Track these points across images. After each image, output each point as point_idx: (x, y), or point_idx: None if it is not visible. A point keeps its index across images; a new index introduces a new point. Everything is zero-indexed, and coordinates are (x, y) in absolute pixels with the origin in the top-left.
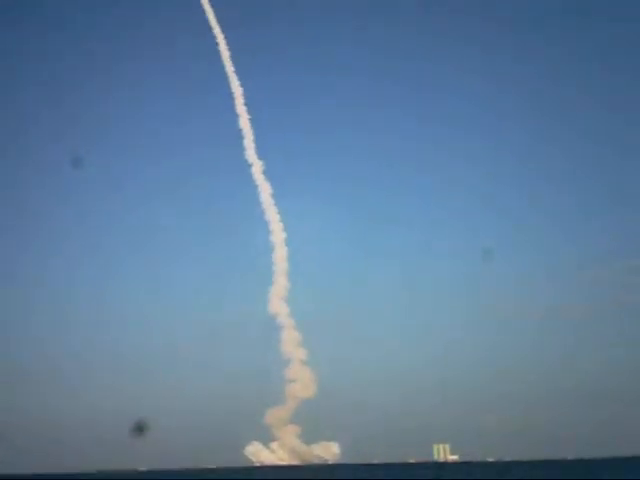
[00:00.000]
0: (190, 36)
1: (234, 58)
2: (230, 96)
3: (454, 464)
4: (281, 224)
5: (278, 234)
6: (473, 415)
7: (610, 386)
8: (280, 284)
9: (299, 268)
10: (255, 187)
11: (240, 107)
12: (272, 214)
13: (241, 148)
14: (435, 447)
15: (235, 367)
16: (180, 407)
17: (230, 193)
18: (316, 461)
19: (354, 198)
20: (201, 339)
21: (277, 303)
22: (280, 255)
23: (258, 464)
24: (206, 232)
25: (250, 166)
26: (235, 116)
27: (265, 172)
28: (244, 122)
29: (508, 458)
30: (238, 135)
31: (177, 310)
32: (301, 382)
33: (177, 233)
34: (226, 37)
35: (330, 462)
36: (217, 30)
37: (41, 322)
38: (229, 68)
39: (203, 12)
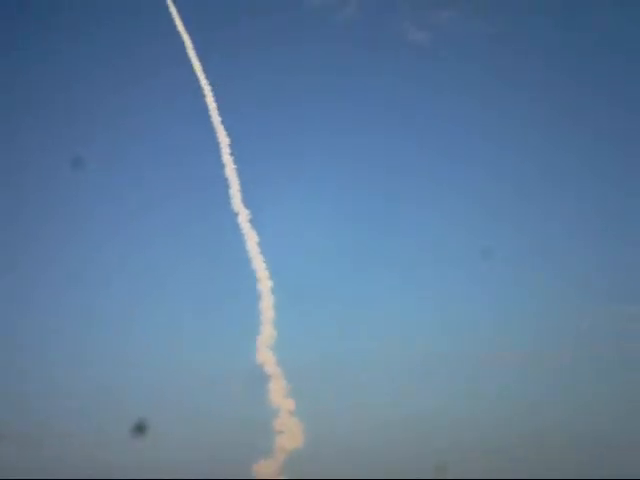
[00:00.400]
0: (176, 88)
1: (221, 110)
2: (217, 146)
3: None
4: (267, 272)
5: (264, 282)
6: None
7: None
8: (267, 333)
9: (286, 316)
10: (241, 235)
11: (226, 157)
12: (258, 262)
13: (227, 197)
14: None
15: (221, 418)
16: (164, 458)
17: (216, 241)
18: None
19: (342, 245)
20: (184, 388)
21: (264, 352)
22: (267, 303)
23: None
24: (190, 280)
25: (236, 215)
26: (221, 166)
27: (251, 221)
28: (230, 171)
29: None
30: (224, 184)
31: (159, 358)
32: (289, 433)
33: (161, 280)
34: (213, 89)
35: None
36: (204, 82)
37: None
38: (215, 119)
39: (191, 64)
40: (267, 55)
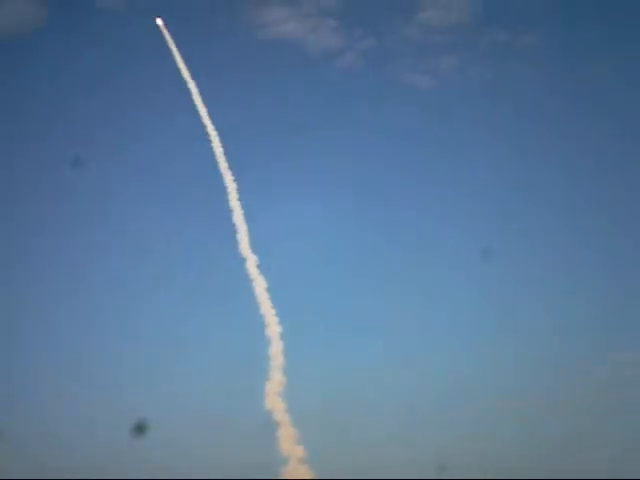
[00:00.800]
0: (182, 132)
1: (227, 154)
2: (224, 190)
3: None
4: (276, 318)
5: (273, 328)
6: None
7: None
8: (276, 379)
9: (296, 362)
10: (250, 281)
11: (234, 202)
12: (267, 308)
13: (235, 242)
14: None
15: (230, 466)
16: None
17: (224, 286)
18: None
19: (351, 291)
20: (191, 434)
21: (273, 399)
22: (276, 349)
23: None
24: (198, 326)
25: (244, 260)
26: (229, 211)
27: (259, 266)
28: (238, 217)
29: None
30: (231, 229)
31: (165, 403)
32: None
33: (169, 327)
34: (219, 133)
35: None
36: (210, 127)
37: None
38: (222, 164)
39: (196, 109)
40: (270, 101)
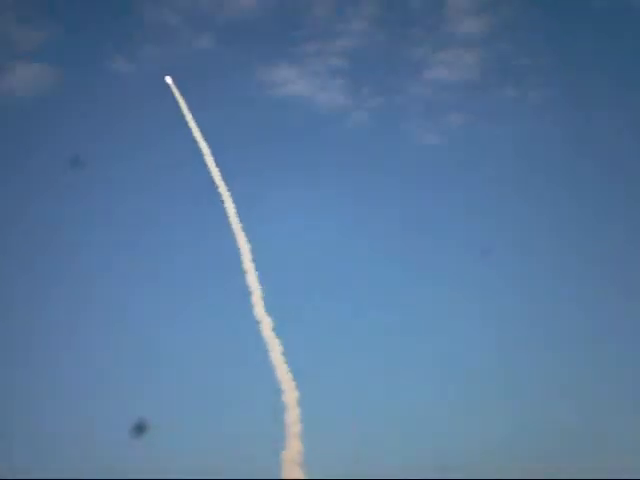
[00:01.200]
0: (194, 192)
1: (240, 215)
2: (237, 252)
3: None
4: (293, 382)
5: (290, 394)
6: None
7: None
8: (293, 448)
9: (314, 429)
10: (264, 344)
11: (248, 264)
12: (283, 372)
13: (249, 305)
14: None
15: None
16: None
17: (238, 350)
18: None
19: (368, 351)
20: None
21: (291, 468)
22: (293, 416)
23: None
24: (211, 391)
25: (259, 323)
26: (242, 273)
27: (274, 329)
28: (252, 278)
29: None
30: (245, 292)
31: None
32: None
33: (181, 390)
34: (232, 194)
35: None
36: (223, 188)
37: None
38: (236, 225)
39: (209, 171)
40: (280, 162)
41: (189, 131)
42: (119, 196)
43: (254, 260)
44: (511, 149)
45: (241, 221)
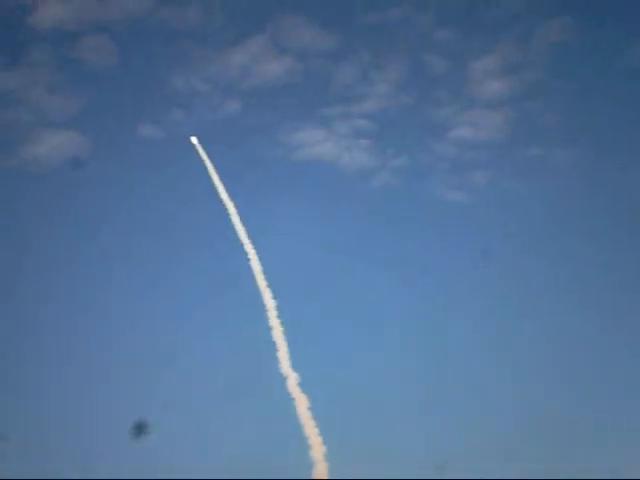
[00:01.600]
0: (220, 252)
1: (266, 272)
2: (263, 308)
3: None
4: (320, 438)
5: (318, 449)
6: None
7: None
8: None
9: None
10: (291, 400)
11: (274, 320)
12: (310, 428)
13: (275, 360)
14: None
15: None
16: None
17: (266, 406)
18: None
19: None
20: None
21: None
22: (321, 472)
23: None
24: (237, 448)
25: (285, 379)
26: (268, 329)
27: (301, 384)
28: (277, 334)
29: None
30: (272, 347)
31: None
32: None
33: (209, 440)
34: (257, 252)
35: None
36: (249, 246)
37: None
38: (261, 282)
39: (233, 226)
40: (307, 223)
41: (216, 190)
42: (150, 265)
43: (279, 317)
44: (538, 207)
45: (267, 279)
